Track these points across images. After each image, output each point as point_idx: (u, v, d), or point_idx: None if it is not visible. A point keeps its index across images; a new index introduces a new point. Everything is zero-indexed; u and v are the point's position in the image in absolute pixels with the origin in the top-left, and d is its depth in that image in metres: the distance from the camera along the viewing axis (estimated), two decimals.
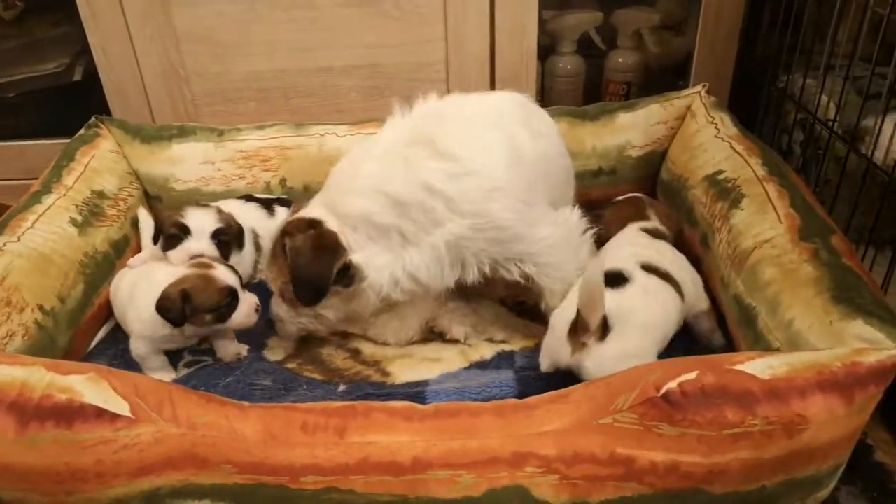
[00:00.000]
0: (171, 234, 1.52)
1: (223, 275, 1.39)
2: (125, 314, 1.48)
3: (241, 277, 1.43)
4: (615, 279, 1.28)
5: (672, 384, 1.00)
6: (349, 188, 1.34)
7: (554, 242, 1.39)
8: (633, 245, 1.44)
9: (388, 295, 1.35)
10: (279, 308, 1.46)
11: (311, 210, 1.37)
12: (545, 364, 1.31)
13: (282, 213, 1.74)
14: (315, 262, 1.30)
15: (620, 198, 1.64)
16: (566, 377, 1.36)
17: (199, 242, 1.52)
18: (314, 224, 1.33)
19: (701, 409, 0.98)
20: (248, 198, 1.81)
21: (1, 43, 2.20)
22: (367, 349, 1.52)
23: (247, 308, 1.40)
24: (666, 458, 1.00)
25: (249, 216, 1.73)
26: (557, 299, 1.40)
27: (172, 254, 1.51)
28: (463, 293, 1.56)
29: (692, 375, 1.01)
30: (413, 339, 1.53)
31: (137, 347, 1.43)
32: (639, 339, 1.24)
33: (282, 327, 1.50)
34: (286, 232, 1.35)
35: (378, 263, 1.32)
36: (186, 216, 1.54)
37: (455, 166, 1.29)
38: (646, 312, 1.26)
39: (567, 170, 1.60)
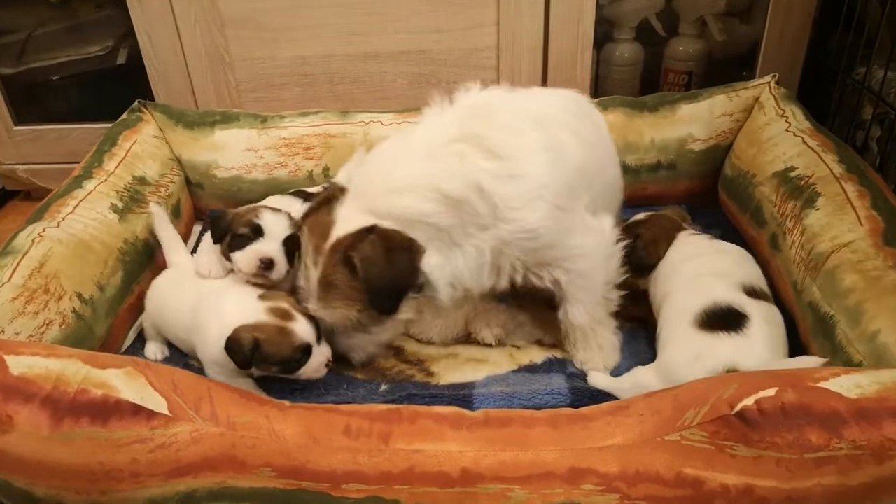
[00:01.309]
0: (240, 234, 1.41)
1: (302, 329, 1.27)
2: (189, 337, 1.36)
3: (319, 328, 1.31)
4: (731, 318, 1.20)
5: (748, 401, 0.93)
6: (397, 187, 1.21)
7: (587, 251, 1.30)
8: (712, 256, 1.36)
9: (444, 298, 1.26)
10: (351, 339, 1.34)
11: (353, 219, 1.21)
12: None
13: None
14: (393, 264, 1.18)
15: (642, 215, 1.50)
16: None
17: (270, 245, 1.40)
18: (371, 230, 1.19)
19: (781, 430, 0.90)
20: (296, 193, 1.72)
21: (45, 25, 2.19)
22: (410, 347, 1.46)
23: (316, 364, 1.29)
24: (739, 481, 0.92)
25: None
26: (579, 309, 1.33)
27: (240, 256, 1.39)
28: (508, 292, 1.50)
29: (771, 392, 0.93)
30: (458, 336, 1.46)
31: (215, 374, 1.31)
32: None
33: (359, 357, 1.38)
34: (341, 249, 1.20)
35: (432, 264, 1.24)
36: (261, 215, 1.43)
37: (503, 167, 1.19)
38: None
39: (615, 178, 1.51)
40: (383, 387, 1.35)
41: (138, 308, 1.56)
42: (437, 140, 1.23)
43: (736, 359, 1.16)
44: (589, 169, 1.34)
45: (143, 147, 1.76)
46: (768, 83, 1.71)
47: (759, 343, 1.19)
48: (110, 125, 1.80)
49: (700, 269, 1.33)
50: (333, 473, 0.97)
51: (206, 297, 1.37)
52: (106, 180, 1.60)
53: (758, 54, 1.92)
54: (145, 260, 1.60)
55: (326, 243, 1.21)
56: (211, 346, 1.28)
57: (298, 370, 1.28)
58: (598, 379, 1.32)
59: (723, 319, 1.21)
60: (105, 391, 0.99)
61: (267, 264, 1.38)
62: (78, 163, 1.67)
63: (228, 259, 1.42)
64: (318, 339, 1.30)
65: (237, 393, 1.08)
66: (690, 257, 1.37)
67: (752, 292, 1.26)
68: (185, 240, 1.81)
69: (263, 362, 1.26)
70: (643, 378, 1.26)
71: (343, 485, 0.97)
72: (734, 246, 1.42)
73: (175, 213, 1.77)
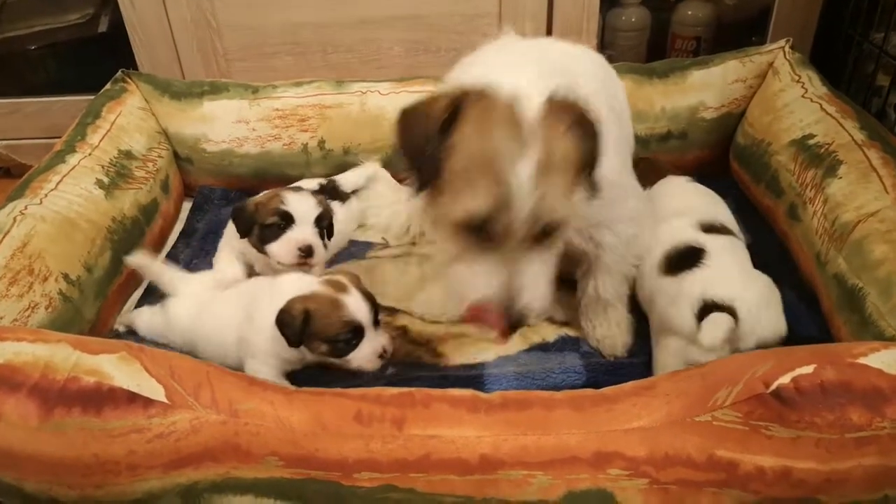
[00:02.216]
0: (269, 224, 1.35)
1: (355, 304, 1.18)
2: (245, 331, 1.24)
3: (377, 312, 1.23)
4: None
5: (784, 379, 0.89)
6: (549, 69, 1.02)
7: (637, 217, 1.26)
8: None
9: None
10: (525, 275, 0.97)
11: (535, 88, 0.96)
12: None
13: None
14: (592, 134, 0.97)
15: None
16: (638, 365, 1.25)
17: (305, 230, 1.34)
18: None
19: (820, 409, 0.87)
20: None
21: None
22: (416, 327, 1.40)
23: (370, 350, 1.20)
24: (776, 463, 0.89)
25: None
26: (609, 281, 1.27)
27: (276, 247, 1.34)
28: None
29: (808, 369, 0.89)
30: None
31: (261, 371, 1.21)
32: None
33: (540, 304, 1.00)
34: (568, 113, 0.95)
35: None
36: (286, 200, 1.35)
37: None
38: None
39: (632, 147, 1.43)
40: (390, 369, 1.29)
41: (129, 288, 1.50)
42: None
43: (706, 290, 1.15)
44: (629, 123, 1.32)
45: (128, 119, 1.67)
46: (783, 48, 1.64)
47: (722, 270, 1.19)
48: (93, 97, 1.71)
49: (664, 209, 1.36)
50: (345, 462, 0.92)
51: (254, 288, 1.30)
52: (90, 154, 1.52)
53: (769, 19, 1.86)
54: (135, 238, 1.52)
55: (530, 117, 0.93)
56: (266, 330, 1.19)
57: (348, 353, 1.19)
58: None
59: (683, 259, 1.23)
60: (97, 378, 0.93)
61: (307, 251, 1.32)
62: (59, 137, 1.59)
63: (263, 252, 1.36)
64: (375, 324, 1.22)
65: (238, 377, 1.02)
66: (661, 195, 1.41)
67: (710, 228, 1.29)
68: (175, 218, 1.74)
69: (313, 338, 1.17)
70: (661, 354, 1.22)
71: (355, 473, 0.92)
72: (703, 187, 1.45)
73: (164, 190, 1.69)
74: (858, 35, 1.73)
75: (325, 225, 1.39)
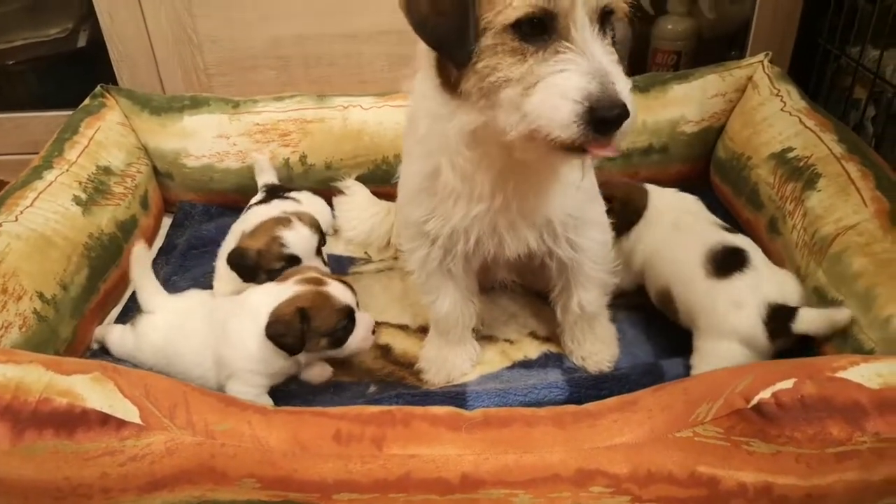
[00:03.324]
0: (277, 269, 1.32)
1: (339, 292, 1.19)
2: (217, 359, 1.22)
3: (355, 293, 1.24)
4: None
5: (765, 394, 0.89)
6: None
7: (606, 221, 1.25)
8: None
9: None
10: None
11: None
12: None
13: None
14: None
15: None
16: (622, 380, 1.24)
17: (311, 264, 1.34)
18: None
19: (801, 424, 0.87)
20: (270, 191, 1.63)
21: (1, 6, 2.06)
22: (399, 347, 1.39)
23: (364, 330, 1.22)
24: (757, 479, 0.89)
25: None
26: (591, 295, 1.25)
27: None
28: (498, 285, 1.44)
29: (788, 384, 0.89)
30: None
31: (244, 392, 1.18)
32: None
33: None
34: None
35: None
36: (286, 241, 1.33)
37: None
38: None
39: None
40: (372, 388, 1.28)
41: (106, 307, 1.48)
42: None
43: (768, 293, 1.18)
44: None
45: (106, 135, 1.66)
46: (762, 62, 1.66)
47: (768, 270, 1.23)
48: (71, 112, 1.70)
49: (672, 215, 1.36)
50: (323, 483, 0.91)
51: (222, 309, 1.26)
52: (67, 170, 1.50)
53: (748, 33, 1.87)
54: (113, 255, 1.50)
55: None
56: (248, 346, 1.18)
57: (347, 339, 1.20)
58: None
59: (729, 260, 1.23)
60: (70, 399, 0.91)
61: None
62: (37, 153, 1.57)
63: None
64: (357, 305, 1.23)
65: (215, 397, 1.01)
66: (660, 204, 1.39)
67: (725, 228, 1.32)
68: (154, 235, 1.72)
69: (313, 336, 1.17)
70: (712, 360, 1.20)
71: (334, 494, 0.91)
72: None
73: (143, 206, 1.67)
74: (836, 49, 1.74)
75: (321, 246, 1.39)
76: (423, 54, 1.00)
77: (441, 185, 1.07)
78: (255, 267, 1.33)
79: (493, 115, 0.91)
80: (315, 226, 1.39)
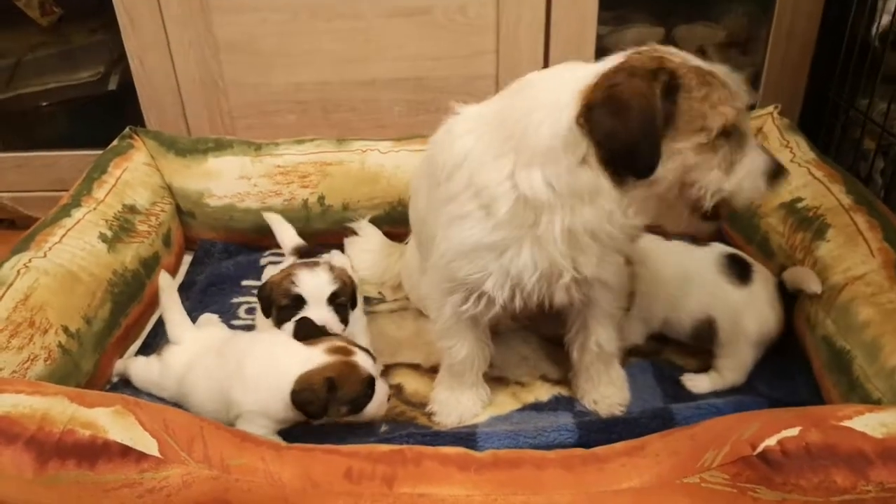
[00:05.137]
0: (283, 306, 1.34)
1: (365, 362, 1.22)
2: (232, 394, 1.22)
3: (374, 358, 1.26)
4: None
5: (771, 441, 0.90)
6: None
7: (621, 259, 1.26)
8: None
9: None
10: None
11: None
12: None
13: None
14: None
15: None
16: (632, 424, 1.25)
17: (318, 311, 1.33)
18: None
19: (805, 472, 0.87)
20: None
21: (36, 50, 2.15)
22: (410, 386, 1.40)
23: (382, 396, 1.24)
24: None
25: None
26: (608, 335, 1.28)
27: (289, 328, 1.32)
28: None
29: (794, 432, 0.90)
30: None
31: (256, 427, 1.20)
32: None
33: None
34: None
35: None
36: (298, 280, 1.33)
37: None
38: None
39: None
40: (383, 427, 1.29)
41: (127, 342, 1.51)
42: None
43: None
44: None
45: (133, 175, 1.71)
46: (770, 113, 1.70)
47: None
48: (100, 152, 1.76)
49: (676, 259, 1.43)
50: None
51: (236, 347, 1.28)
52: (95, 209, 1.55)
53: (758, 85, 1.91)
54: (135, 292, 1.54)
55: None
56: (266, 399, 1.20)
57: (366, 406, 1.22)
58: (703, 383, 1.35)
59: (743, 270, 1.36)
60: (93, 432, 0.94)
61: (325, 331, 1.31)
62: (65, 191, 1.63)
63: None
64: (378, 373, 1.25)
65: (231, 433, 1.03)
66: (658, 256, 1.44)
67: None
68: (175, 272, 1.77)
69: (336, 404, 1.19)
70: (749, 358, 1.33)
71: None
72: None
73: (165, 243, 1.72)
74: (844, 102, 1.78)
75: (342, 301, 1.36)
76: (572, 154, 1.04)
77: (517, 253, 1.11)
78: (268, 300, 1.36)
79: (671, 200, 1.08)
80: (340, 278, 1.37)
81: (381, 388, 1.24)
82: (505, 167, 1.08)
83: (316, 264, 1.38)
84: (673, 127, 1.02)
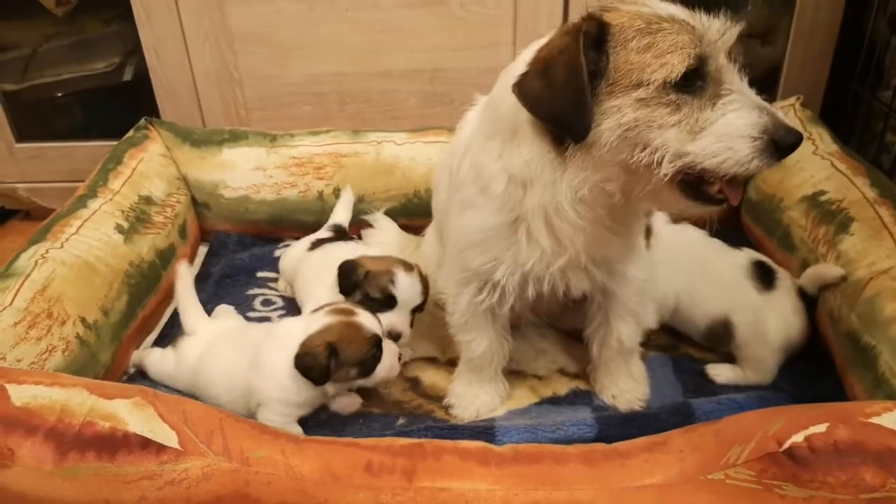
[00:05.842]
0: (374, 298, 1.33)
1: (368, 322, 1.21)
2: (252, 382, 1.22)
3: (380, 323, 1.25)
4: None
5: (797, 438, 0.88)
6: None
7: (649, 258, 1.27)
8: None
9: None
10: None
11: None
12: None
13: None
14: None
15: None
16: (651, 419, 1.24)
17: (402, 318, 1.33)
18: None
19: (833, 469, 0.86)
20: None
21: (51, 41, 2.14)
22: (428, 380, 1.40)
23: (390, 358, 1.23)
24: None
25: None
26: (630, 329, 1.26)
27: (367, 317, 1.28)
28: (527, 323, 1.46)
29: (821, 428, 0.88)
30: None
31: (274, 420, 1.19)
32: None
33: None
34: None
35: None
36: (397, 282, 1.32)
37: None
38: None
39: None
40: (400, 420, 1.28)
41: (143, 333, 1.51)
42: None
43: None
44: None
45: (149, 166, 1.71)
46: (793, 105, 1.67)
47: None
48: (115, 143, 1.76)
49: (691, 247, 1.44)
50: None
51: (253, 336, 1.29)
52: (111, 199, 1.55)
53: (778, 77, 1.89)
54: (151, 283, 1.54)
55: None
56: (278, 375, 1.20)
57: (375, 368, 1.21)
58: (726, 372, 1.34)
59: (768, 275, 1.36)
60: (112, 423, 0.94)
61: (395, 337, 1.31)
62: (81, 181, 1.62)
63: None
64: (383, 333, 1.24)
65: (250, 425, 1.02)
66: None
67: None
68: (191, 263, 1.76)
69: (342, 367, 1.18)
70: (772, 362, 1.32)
71: None
72: None
73: (181, 235, 1.71)
74: (867, 93, 1.75)
75: (418, 309, 1.37)
76: (522, 126, 1.01)
77: (520, 237, 1.08)
78: (357, 284, 1.34)
79: (626, 168, 0.96)
80: (426, 288, 1.37)
81: (390, 348, 1.23)
82: (496, 148, 1.06)
83: (411, 268, 1.36)
84: (607, 82, 0.93)
